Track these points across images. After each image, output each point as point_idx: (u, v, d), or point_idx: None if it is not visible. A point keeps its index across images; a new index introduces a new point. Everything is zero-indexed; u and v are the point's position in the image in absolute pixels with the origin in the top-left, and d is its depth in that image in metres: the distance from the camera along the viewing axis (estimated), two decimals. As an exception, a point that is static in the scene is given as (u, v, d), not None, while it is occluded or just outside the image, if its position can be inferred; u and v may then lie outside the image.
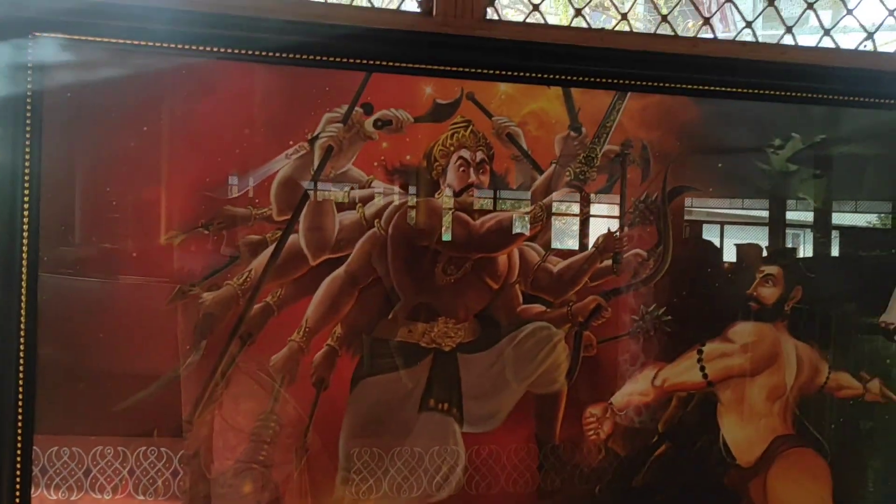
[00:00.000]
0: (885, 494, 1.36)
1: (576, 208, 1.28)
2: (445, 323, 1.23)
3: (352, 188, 1.19)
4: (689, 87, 1.28)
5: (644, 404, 1.29)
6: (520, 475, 1.26)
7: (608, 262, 1.27)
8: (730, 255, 1.33)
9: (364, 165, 1.20)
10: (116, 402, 1.11)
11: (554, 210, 1.26)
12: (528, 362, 1.25)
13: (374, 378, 1.21)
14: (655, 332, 1.29)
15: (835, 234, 1.36)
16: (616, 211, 1.28)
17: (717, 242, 1.34)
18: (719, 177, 1.31)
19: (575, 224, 1.28)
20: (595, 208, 1.28)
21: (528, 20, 1.37)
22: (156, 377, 1.13)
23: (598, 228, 1.28)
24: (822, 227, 1.36)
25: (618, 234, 1.27)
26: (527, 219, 1.25)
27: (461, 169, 1.22)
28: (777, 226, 1.34)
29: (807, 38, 1.46)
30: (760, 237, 1.34)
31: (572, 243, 1.28)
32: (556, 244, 1.26)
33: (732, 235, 1.34)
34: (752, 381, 1.31)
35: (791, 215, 1.35)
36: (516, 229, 1.24)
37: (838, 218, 1.37)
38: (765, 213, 1.34)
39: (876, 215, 1.39)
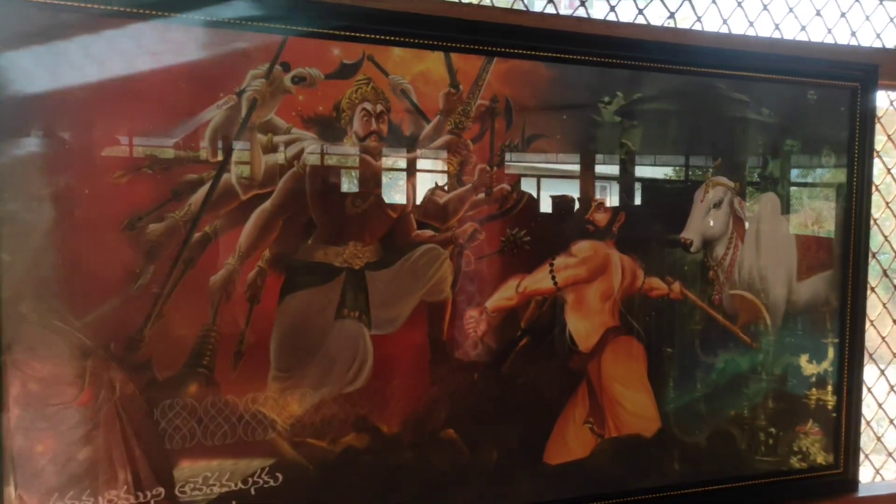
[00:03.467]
0: (681, 367, 1.80)
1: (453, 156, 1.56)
2: (355, 246, 1.49)
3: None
4: (540, 53, 1.60)
5: (510, 307, 1.63)
6: (416, 367, 1.55)
7: (482, 195, 1.58)
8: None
9: (284, 115, 1.41)
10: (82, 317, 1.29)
11: (439, 157, 1.55)
12: (421, 276, 1.54)
13: (298, 293, 1.45)
14: (518, 250, 1.62)
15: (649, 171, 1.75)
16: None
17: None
18: (564, 125, 1.64)
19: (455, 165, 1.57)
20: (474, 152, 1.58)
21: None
22: (111, 298, 1.31)
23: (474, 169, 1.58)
24: (642, 170, 1.74)
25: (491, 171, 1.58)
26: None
27: (364, 119, 1.47)
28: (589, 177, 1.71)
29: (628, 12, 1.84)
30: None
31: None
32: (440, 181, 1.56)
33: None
34: (589, 285, 1.68)
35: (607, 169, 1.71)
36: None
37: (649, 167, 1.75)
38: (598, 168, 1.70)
39: (672, 166, 1.79)
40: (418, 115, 1.52)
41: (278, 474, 1.43)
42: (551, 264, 1.65)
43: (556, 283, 1.65)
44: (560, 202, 1.66)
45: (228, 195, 1.39)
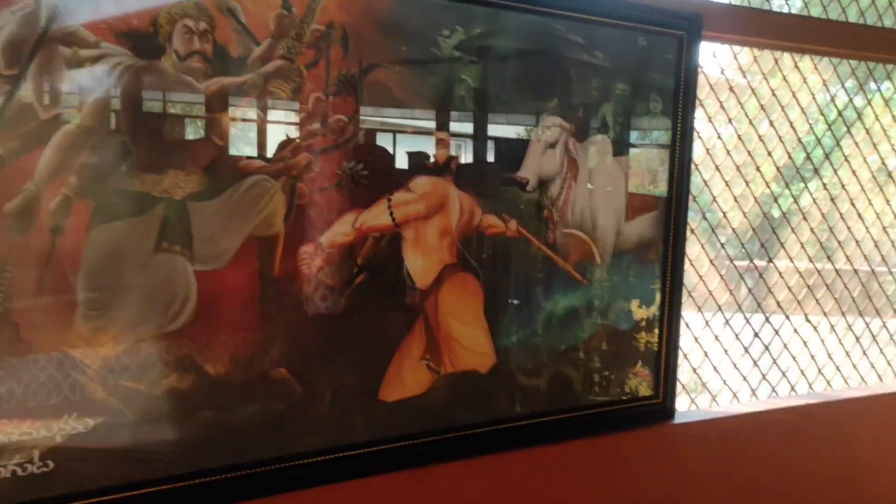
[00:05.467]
0: (516, 304, 1.84)
1: (286, 85, 1.48)
2: (175, 174, 1.38)
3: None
4: (379, -20, 1.55)
5: (346, 243, 1.58)
6: (244, 305, 1.48)
7: (317, 126, 1.51)
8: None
9: (92, 27, 1.28)
10: None
11: (270, 83, 1.46)
12: (250, 209, 1.46)
13: (110, 224, 1.33)
14: (355, 184, 1.57)
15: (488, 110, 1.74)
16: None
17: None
18: (403, 57, 1.60)
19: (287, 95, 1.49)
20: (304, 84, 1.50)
21: None
22: None
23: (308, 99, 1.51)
24: (480, 107, 1.73)
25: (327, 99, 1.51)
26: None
27: (186, 36, 1.36)
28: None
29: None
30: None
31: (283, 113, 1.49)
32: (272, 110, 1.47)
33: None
34: (428, 222, 1.67)
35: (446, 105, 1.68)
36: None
37: (487, 105, 1.75)
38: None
39: (510, 105, 1.80)
40: (247, 37, 1.42)
41: (88, 420, 1.33)
42: (389, 200, 1.62)
43: (394, 219, 1.62)
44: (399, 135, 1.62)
45: (25, 113, 1.24)
